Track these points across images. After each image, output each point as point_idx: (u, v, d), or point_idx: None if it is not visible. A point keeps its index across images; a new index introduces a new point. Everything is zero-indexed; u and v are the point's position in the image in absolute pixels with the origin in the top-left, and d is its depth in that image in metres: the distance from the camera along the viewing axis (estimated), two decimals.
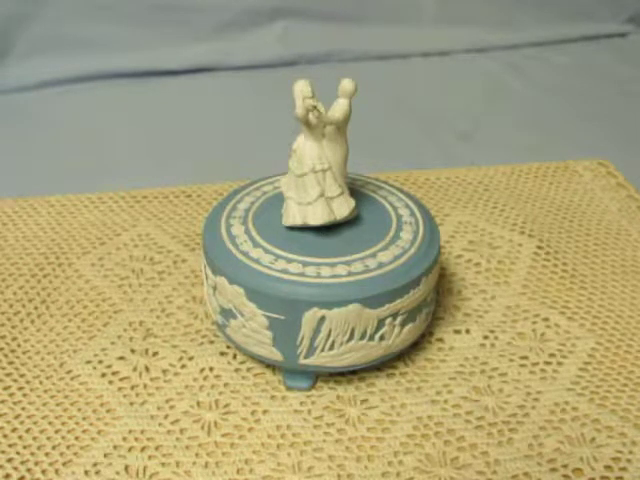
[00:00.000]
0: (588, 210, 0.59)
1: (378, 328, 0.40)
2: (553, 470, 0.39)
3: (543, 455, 0.39)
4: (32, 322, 0.47)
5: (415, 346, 0.45)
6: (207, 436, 0.40)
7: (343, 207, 0.41)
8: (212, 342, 0.46)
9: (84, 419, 0.41)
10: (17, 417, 0.41)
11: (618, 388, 0.43)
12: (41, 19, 0.88)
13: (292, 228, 0.42)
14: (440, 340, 0.46)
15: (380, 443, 0.40)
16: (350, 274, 0.39)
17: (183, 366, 0.44)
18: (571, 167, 0.64)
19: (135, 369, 0.44)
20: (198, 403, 0.42)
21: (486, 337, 0.47)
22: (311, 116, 0.39)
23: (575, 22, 1.04)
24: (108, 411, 0.41)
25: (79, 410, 0.41)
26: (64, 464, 0.39)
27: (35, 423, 0.41)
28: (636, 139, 0.80)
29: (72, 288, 0.50)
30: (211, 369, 0.44)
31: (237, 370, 0.44)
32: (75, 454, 0.39)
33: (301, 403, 0.42)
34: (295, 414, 0.41)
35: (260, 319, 0.40)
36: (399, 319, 0.40)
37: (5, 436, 0.40)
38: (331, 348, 0.40)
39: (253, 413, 0.41)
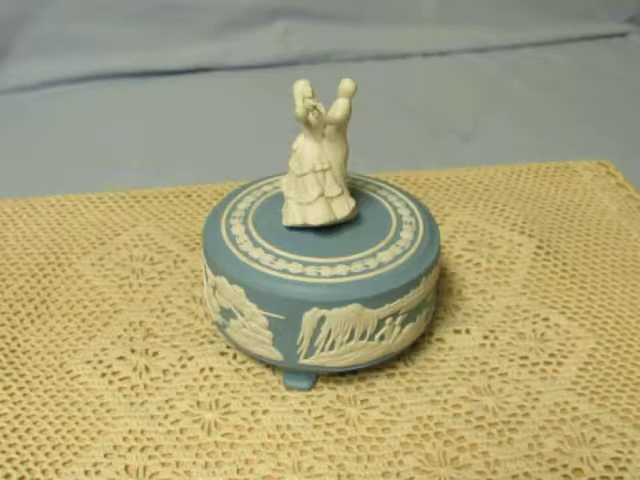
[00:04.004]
0: (588, 210, 0.59)
1: (378, 328, 0.40)
2: (553, 470, 0.39)
3: (543, 455, 0.39)
4: (32, 322, 0.47)
5: (415, 346, 0.45)
6: (207, 436, 0.40)
7: (343, 207, 0.41)
8: (212, 342, 0.46)
9: (84, 419, 0.41)
10: (17, 417, 0.41)
11: (618, 388, 0.43)
12: (41, 19, 0.87)
13: (292, 228, 0.42)
14: (440, 340, 0.46)
15: (380, 443, 0.40)
16: (350, 274, 0.39)
17: (183, 366, 0.44)
18: (571, 167, 0.64)
19: (135, 369, 0.44)
20: (198, 403, 0.42)
21: (486, 337, 0.47)
22: (311, 116, 0.39)
23: (575, 22, 1.04)
24: (108, 411, 0.41)
25: (79, 410, 0.41)
26: (64, 464, 0.39)
27: (35, 423, 0.41)
28: (636, 139, 0.80)
29: (72, 288, 0.50)
30: (211, 369, 0.44)
31: (237, 370, 0.44)
32: (75, 454, 0.39)
33: (301, 403, 0.42)
34: (295, 414, 0.41)
35: (260, 319, 0.40)
36: (399, 319, 0.40)
37: (5, 436, 0.40)
38: (331, 348, 0.40)
39: (253, 413, 0.41)
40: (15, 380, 0.43)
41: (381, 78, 0.92)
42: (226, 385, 0.43)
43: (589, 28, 1.04)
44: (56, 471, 0.38)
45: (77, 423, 0.41)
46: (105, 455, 0.39)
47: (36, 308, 0.48)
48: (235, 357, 0.45)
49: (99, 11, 0.89)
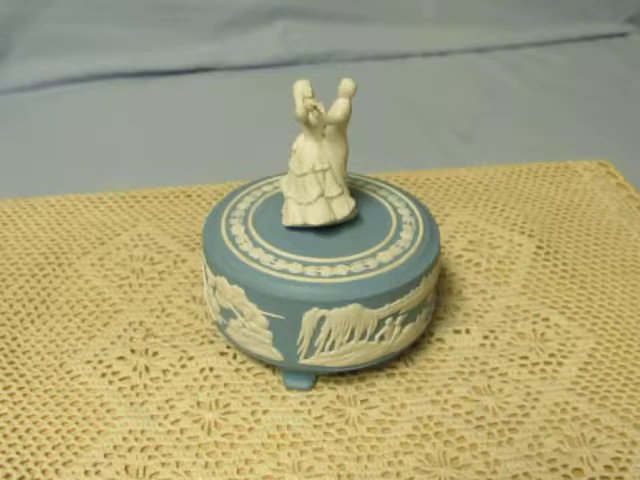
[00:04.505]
0: (588, 210, 0.59)
1: (378, 328, 0.40)
2: (553, 470, 0.39)
3: (543, 455, 0.39)
4: (32, 322, 0.47)
5: (415, 346, 0.45)
6: (207, 436, 0.40)
7: (343, 207, 0.41)
8: (212, 342, 0.46)
9: (84, 419, 0.41)
10: (17, 417, 0.41)
11: (618, 388, 0.43)
12: (41, 19, 0.88)
13: (292, 228, 0.42)
14: (440, 340, 0.46)
15: (380, 443, 0.40)
16: (350, 274, 0.39)
17: (183, 366, 0.44)
18: (571, 167, 0.64)
19: (135, 369, 0.44)
20: (198, 403, 0.42)
21: (486, 337, 0.47)
22: (311, 116, 0.39)
23: (575, 22, 1.04)
24: (108, 411, 0.41)
25: (79, 410, 0.41)
26: (64, 464, 0.39)
27: (35, 423, 0.41)
28: (636, 139, 0.80)
29: (72, 288, 0.50)
30: (211, 369, 0.44)
31: (237, 370, 0.44)
32: (75, 454, 0.39)
33: (301, 403, 0.42)
34: (295, 414, 0.41)
35: (260, 319, 0.40)
36: (399, 319, 0.40)
37: (5, 436, 0.40)
38: (331, 348, 0.40)
39: (253, 413, 0.41)
40: (15, 380, 0.43)
41: (381, 78, 0.92)
42: (226, 385, 0.43)
43: (589, 28, 1.04)
44: (56, 471, 0.38)
45: (77, 423, 0.41)
46: (105, 455, 0.39)
47: (36, 308, 0.48)
48: (235, 357, 0.45)
49: (99, 11, 0.89)
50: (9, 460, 0.39)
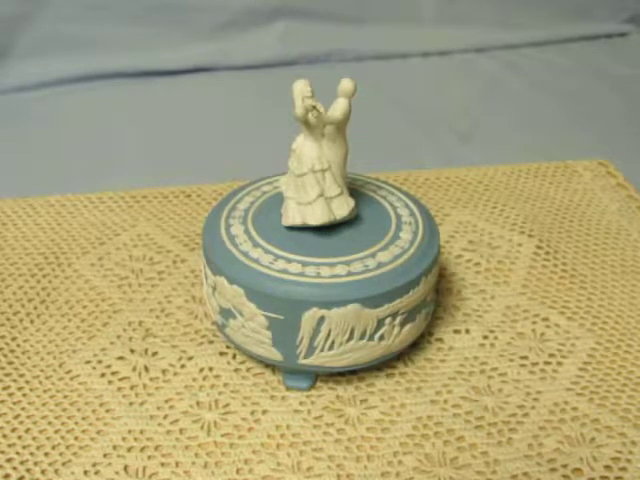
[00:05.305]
0: (588, 210, 0.59)
1: (378, 328, 0.40)
2: (553, 470, 0.39)
3: (543, 455, 0.39)
4: (32, 322, 0.47)
5: (415, 346, 0.45)
6: (207, 436, 0.40)
7: (343, 207, 0.41)
8: (212, 342, 0.46)
9: (83, 419, 0.41)
10: (16, 417, 0.41)
11: (618, 388, 0.43)
12: (41, 19, 0.87)
13: (292, 228, 0.42)
14: (440, 340, 0.46)
15: (380, 443, 0.40)
16: (350, 274, 0.39)
17: (183, 366, 0.44)
18: (571, 167, 0.64)
19: (135, 369, 0.44)
20: (198, 403, 0.42)
21: (486, 337, 0.47)
22: (311, 116, 0.39)
23: (575, 22, 1.04)
24: (107, 411, 0.41)
25: (78, 410, 0.41)
26: (63, 464, 0.39)
27: (34, 423, 0.41)
28: (636, 139, 0.80)
29: (72, 288, 0.50)
30: (211, 369, 0.44)
31: (237, 370, 0.44)
32: (74, 454, 0.39)
33: (301, 403, 0.42)
34: (295, 414, 0.41)
35: (260, 319, 0.40)
36: (399, 319, 0.40)
37: (4, 436, 0.40)
38: (330, 348, 0.40)
39: (253, 413, 0.41)
40: (14, 380, 0.43)
41: (381, 78, 0.92)
42: (226, 385, 0.43)
43: (589, 28, 1.04)
44: (55, 471, 0.38)
45: (76, 423, 0.41)
46: (104, 455, 0.39)
47: (35, 308, 0.48)
48: (235, 357, 0.45)
49: (99, 11, 0.89)
50: (8, 460, 0.39)
